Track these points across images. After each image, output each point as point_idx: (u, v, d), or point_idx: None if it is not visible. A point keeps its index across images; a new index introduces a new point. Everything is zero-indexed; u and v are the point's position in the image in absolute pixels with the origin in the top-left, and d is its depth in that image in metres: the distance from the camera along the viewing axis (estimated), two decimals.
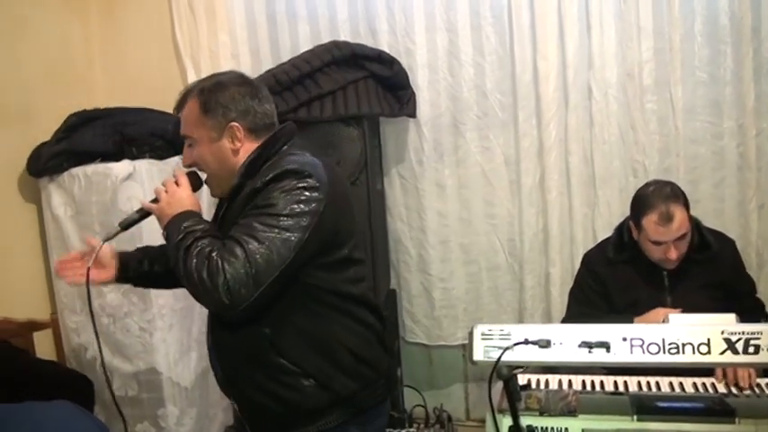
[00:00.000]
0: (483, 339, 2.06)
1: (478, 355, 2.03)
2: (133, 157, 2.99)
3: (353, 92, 3.04)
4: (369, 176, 3.06)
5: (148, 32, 3.44)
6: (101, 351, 2.03)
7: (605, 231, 3.00)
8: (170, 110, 2.85)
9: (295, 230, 1.62)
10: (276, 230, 1.61)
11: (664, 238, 2.36)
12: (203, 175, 1.87)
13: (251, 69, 3.28)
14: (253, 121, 1.79)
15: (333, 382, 1.75)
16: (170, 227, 1.74)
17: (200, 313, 2.83)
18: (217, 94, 1.77)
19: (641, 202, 2.42)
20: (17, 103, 2.94)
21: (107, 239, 1.89)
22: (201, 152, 1.81)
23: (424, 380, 3.47)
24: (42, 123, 2.98)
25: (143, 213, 1.87)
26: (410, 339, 3.46)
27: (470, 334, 2.07)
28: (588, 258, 2.63)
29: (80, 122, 3.01)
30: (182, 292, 1.78)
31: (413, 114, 3.14)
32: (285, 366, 1.74)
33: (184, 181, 1.83)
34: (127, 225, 1.89)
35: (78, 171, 2.96)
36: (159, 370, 2.98)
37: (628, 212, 2.51)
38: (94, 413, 2.84)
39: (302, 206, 1.64)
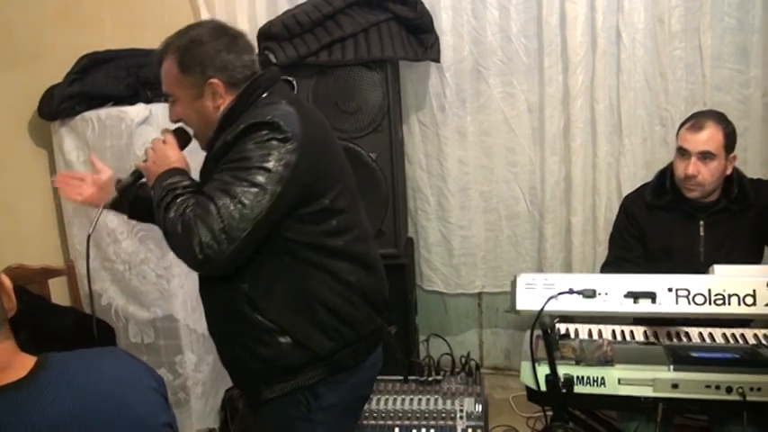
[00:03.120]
0: (527, 289, 2.06)
1: (522, 304, 2.04)
2: (148, 101, 2.89)
3: (376, 34, 2.95)
4: (391, 122, 2.99)
5: None
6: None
7: (630, 181, 2.99)
8: None
9: (268, 183, 1.59)
10: (247, 184, 1.58)
11: (689, 146, 2.34)
12: (191, 131, 1.85)
13: (266, 10, 3.18)
14: (232, 75, 1.74)
15: (309, 341, 1.72)
16: (155, 185, 1.74)
17: None
18: (192, 51, 1.72)
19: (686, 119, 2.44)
20: (26, 43, 2.82)
21: (107, 205, 1.91)
22: (184, 109, 1.79)
23: (439, 328, 3.48)
24: (53, 64, 2.87)
25: (137, 174, 1.87)
26: (427, 287, 3.44)
27: (513, 283, 2.07)
28: (627, 201, 2.59)
29: (92, 64, 2.90)
30: None
31: (437, 59, 3.05)
32: (261, 323, 1.71)
33: (170, 139, 1.82)
34: (123, 188, 1.91)
35: (91, 115, 2.87)
36: (176, 317, 2.95)
37: (652, 162, 2.48)
38: None
39: (274, 158, 1.60)
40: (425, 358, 2.85)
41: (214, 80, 1.72)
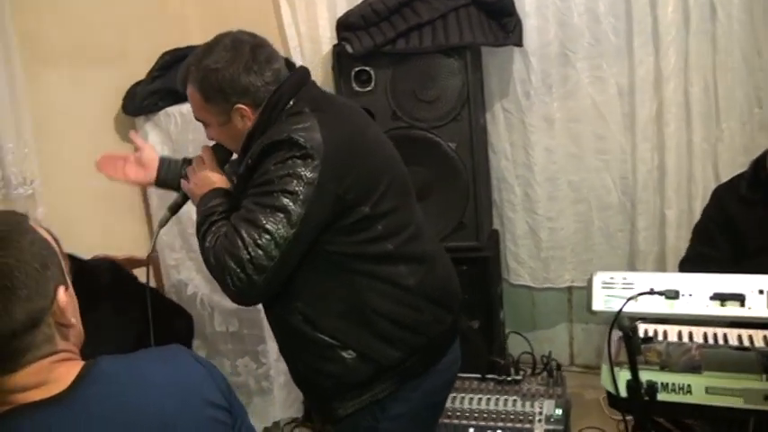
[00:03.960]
0: (604, 288, 1.93)
1: (598, 304, 1.91)
2: None
3: (455, 20, 2.84)
4: (471, 111, 2.88)
5: None
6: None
7: (728, 168, 2.75)
8: None
9: (293, 207, 1.53)
10: (271, 210, 1.53)
11: None
12: None
13: (346, 0, 3.13)
14: (256, 96, 1.67)
15: (374, 353, 1.66)
16: (197, 209, 1.74)
17: None
18: (210, 81, 1.66)
19: None
20: (112, 42, 2.92)
21: (161, 226, 1.92)
22: (217, 134, 1.77)
23: (527, 323, 3.35)
24: (137, 62, 2.95)
25: (184, 195, 1.88)
26: (514, 281, 3.31)
27: (589, 282, 1.94)
28: (718, 193, 2.38)
29: (174, 61, 2.96)
30: None
31: (519, 43, 2.90)
32: (321, 339, 1.66)
33: (207, 157, 1.80)
34: (174, 208, 1.92)
35: (174, 110, 2.95)
36: (259, 307, 2.97)
37: (752, 148, 2.26)
38: (193, 347, 2.87)
39: (296, 178, 1.54)
40: (507, 356, 2.75)
41: (239, 105, 1.67)
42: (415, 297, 1.70)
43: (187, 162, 1.96)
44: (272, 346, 3.03)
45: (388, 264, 1.67)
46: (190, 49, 3.02)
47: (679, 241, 2.85)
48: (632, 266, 3.03)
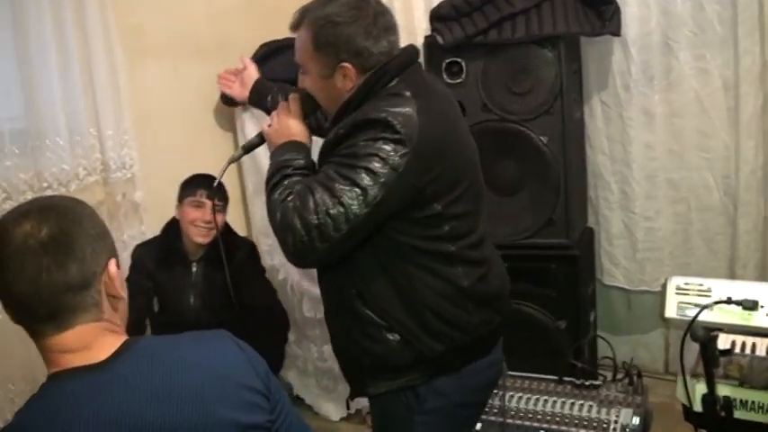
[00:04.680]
0: (678, 294, 1.83)
1: (671, 311, 1.82)
2: None
3: (549, 9, 2.74)
4: (564, 104, 2.78)
5: None
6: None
7: None
8: None
9: (371, 187, 1.51)
10: (350, 184, 1.52)
11: None
12: None
13: None
14: (367, 60, 1.64)
15: (417, 341, 1.66)
16: (271, 157, 1.73)
17: None
18: (328, 31, 1.63)
19: None
20: (211, 34, 3.04)
21: (231, 161, 1.90)
22: (313, 84, 1.72)
23: (621, 326, 3.21)
24: (236, 53, 3.02)
25: (261, 138, 1.85)
26: (608, 282, 3.18)
27: (663, 286, 1.85)
28: None
29: (270, 52, 3.04)
30: None
31: (617, 32, 2.76)
32: (371, 318, 1.67)
33: (295, 107, 1.77)
34: (248, 148, 1.91)
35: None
36: None
37: None
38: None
39: (383, 160, 1.52)
40: (592, 360, 2.62)
41: (346, 64, 1.64)
42: (466, 298, 1.69)
43: (281, 96, 2.02)
44: None
45: (447, 263, 1.67)
46: (287, 40, 3.11)
47: None
48: (732, 272, 2.84)
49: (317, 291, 3.02)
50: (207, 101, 3.09)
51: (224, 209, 2.66)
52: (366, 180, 1.52)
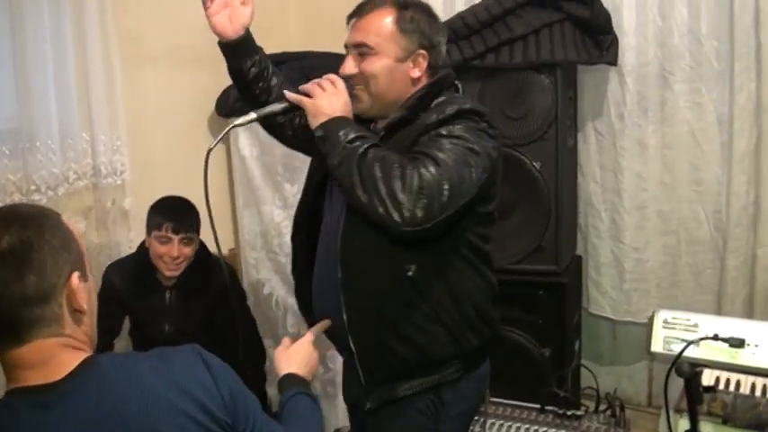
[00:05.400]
0: (665, 328, 1.84)
1: (657, 345, 1.83)
2: None
3: (547, 36, 2.75)
4: (558, 131, 2.78)
5: None
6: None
7: None
8: None
9: (479, 168, 1.57)
10: (463, 161, 1.54)
11: None
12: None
13: (443, 12, 3.10)
14: (437, 57, 1.72)
15: (460, 335, 1.70)
16: (331, 126, 1.59)
17: None
18: (416, 17, 1.68)
19: None
20: (210, 45, 3.01)
21: (239, 125, 1.75)
22: (377, 66, 1.67)
23: (606, 356, 3.19)
24: None
25: (288, 107, 1.69)
26: (594, 311, 3.17)
27: (651, 319, 1.85)
28: None
29: None
30: None
31: (613, 62, 2.78)
32: (423, 309, 1.66)
33: (342, 86, 1.66)
34: (265, 115, 1.72)
35: None
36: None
37: None
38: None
39: (485, 147, 1.59)
40: (575, 389, 2.60)
41: (424, 52, 1.68)
42: (493, 296, 1.79)
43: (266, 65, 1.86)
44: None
45: (484, 262, 1.75)
46: (285, 55, 3.11)
47: None
48: (719, 307, 2.82)
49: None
50: (201, 111, 3.08)
51: (193, 240, 2.53)
52: (476, 160, 1.57)
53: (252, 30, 1.84)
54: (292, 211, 2.08)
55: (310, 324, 1.87)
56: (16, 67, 2.30)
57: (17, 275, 1.04)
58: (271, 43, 3.13)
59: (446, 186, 1.50)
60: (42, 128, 2.37)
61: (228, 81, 2.98)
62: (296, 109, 1.70)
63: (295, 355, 1.63)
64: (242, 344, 2.73)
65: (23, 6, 2.29)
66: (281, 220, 3.14)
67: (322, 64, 3.07)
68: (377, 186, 1.50)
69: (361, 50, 1.68)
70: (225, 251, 3.05)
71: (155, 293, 2.58)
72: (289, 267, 2.97)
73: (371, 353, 1.70)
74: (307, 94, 1.65)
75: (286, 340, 1.69)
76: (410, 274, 1.62)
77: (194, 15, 2.97)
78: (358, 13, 1.71)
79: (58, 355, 1.08)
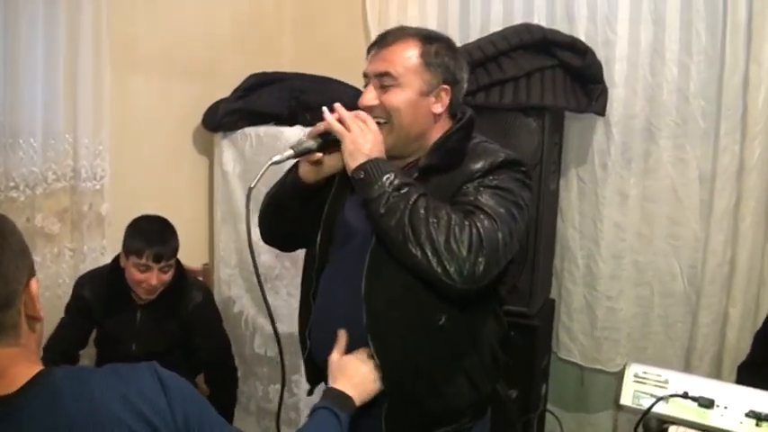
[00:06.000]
0: (636, 382, 1.83)
1: (627, 398, 1.81)
2: (306, 124, 2.97)
3: (538, 80, 2.78)
4: (542, 174, 2.80)
5: (340, 2, 3.40)
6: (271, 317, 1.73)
7: None
8: (353, 82, 2.83)
9: (523, 222, 1.58)
10: (511, 215, 1.54)
11: None
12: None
13: None
14: (459, 92, 1.69)
15: (479, 381, 1.68)
16: (372, 168, 1.51)
17: None
18: (442, 52, 1.65)
19: None
20: (202, 56, 3.03)
21: (276, 162, 1.57)
22: (401, 98, 1.61)
23: (572, 402, 3.17)
24: (223, 79, 3.05)
25: (322, 144, 1.59)
26: (563, 356, 3.16)
27: (621, 372, 1.84)
28: None
29: (259, 83, 3.05)
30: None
31: (601, 112, 2.81)
32: (451, 359, 1.64)
33: (374, 124, 1.58)
34: (302, 151, 1.60)
35: (251, 131, 3.03)
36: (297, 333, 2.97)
37: None
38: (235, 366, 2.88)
39: (526, 199, 1.61)
40: None
41: (447, 88, 1.65)
42: (505, 336, 1.77)
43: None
44: (304, 379, 3.01)
45: (500, 306, 1.75)
46: (277, 74, 3.12)
47: (740, 343, 2.66)
48: (687, 362, 2.84)
49: (270, 328, 3.00)
50: (188, 122, 3.06)
51: (173, 266, 2.49)
52: (519, 213, 1.56)
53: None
54: None
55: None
56: (6, 63, 2.28)
57: None
58: (264, 62, 3.17)
59: (502, 242, 1.48)
60: (26, 125, 2.35)
61: (218, 95, 3.03)
62: (329, 146, 1.60)
63: (349, 369, 1.58)
64: (210, 368, 2.70)
65: (18, 4, 2.27)
66: (258, 239, 3.11)
67: (312, 87, 3.11)
68: (432, 241, 1.45)
69: (384, 81, 1.62)
70: (198, 265, 3.02)
71: (126, 311, 2.53)
72: None
73: (402, 406, 1.64)
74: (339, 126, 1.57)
75: (341, 340, 1.63)
76: (441, 323, 1.58)
77: (191, 25, 3.00)
78: (381, 43, 1.66)
79: (13, 366, 1.05)
